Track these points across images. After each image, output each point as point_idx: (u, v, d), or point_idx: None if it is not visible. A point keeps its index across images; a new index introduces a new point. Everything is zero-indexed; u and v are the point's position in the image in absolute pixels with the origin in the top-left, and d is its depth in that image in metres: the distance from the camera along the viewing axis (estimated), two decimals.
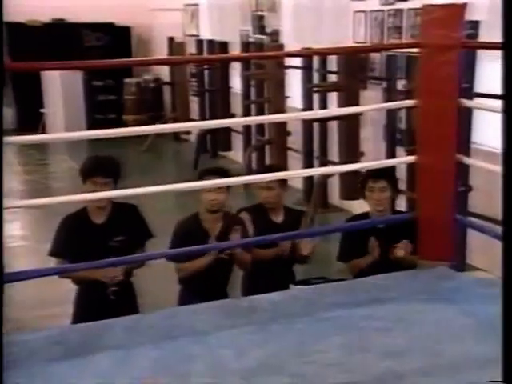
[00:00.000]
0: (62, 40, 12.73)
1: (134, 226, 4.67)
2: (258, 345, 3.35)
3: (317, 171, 8.05)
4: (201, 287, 4.70)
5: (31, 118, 12.55)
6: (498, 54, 4.64)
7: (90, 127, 11.87)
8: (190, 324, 3.55)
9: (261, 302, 3.97)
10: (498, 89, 5.37)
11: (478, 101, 4.36)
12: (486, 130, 5.13)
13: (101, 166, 4.57)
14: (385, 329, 3.56)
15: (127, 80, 13.12)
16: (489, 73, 4.54)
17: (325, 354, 3.29)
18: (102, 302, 4.42)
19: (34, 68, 9.94)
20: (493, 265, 4.94)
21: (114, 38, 13.60)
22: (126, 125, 11.60)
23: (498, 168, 4.70)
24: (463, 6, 3.91)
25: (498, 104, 5.06)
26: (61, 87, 12.32)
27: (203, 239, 4.63)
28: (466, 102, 4.05)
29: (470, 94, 4.16)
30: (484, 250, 4.67)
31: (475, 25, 3.91)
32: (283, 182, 5.11)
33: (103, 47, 13.02)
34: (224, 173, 4.88)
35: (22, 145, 11.17)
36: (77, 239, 4.52)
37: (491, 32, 4.16)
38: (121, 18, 13.80)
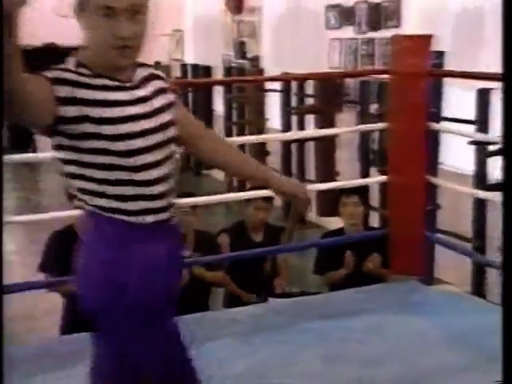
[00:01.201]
0: (52, 62, 12.67)
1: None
2: (240, 356, 3.34)
3: None
4: (182, 301, 4.67)
5: (23, 138, 12.49)
6: (462, 81, 4.71)
7: None
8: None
9: (242, 314, 3.97)
10: (462, 113, 5.45)
11: (444, 124, 4.39)
12: (453, 152, 5.18)
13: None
14: (361, 340, 3.57)
15: None
16: (454, 99, 4.60)
17: (306, 365, 3.30)
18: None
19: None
20: (459, 278, 5.00)
21: None
22: None
23: (464, 188, 4.76)
24: (429, 38, 3.96)
25: (463, 128, 5.15)
26: None
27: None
28: (434, 126, 4.08)
29: (438, 118, 4.20)
30: (451, 264, 4.70)
31: (440, 55, 3.97)
32: (271, 201, 5.12)
33: None
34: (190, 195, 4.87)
35: (15, 163, 11.20)
36: (64, 254, 4.51)
37: (455, 61, 4.22)
38: None
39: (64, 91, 2.13)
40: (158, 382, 2.34)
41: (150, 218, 2.21)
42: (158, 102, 2.24)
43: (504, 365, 1.71)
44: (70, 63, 2.23)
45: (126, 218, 2.18)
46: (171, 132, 2.27)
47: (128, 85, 2.20)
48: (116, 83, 2.18)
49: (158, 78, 2.32)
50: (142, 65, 2.30)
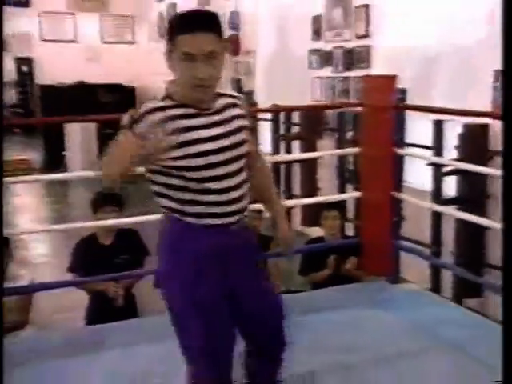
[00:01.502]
0: (82, 97, 12.75)
1: (135, 246, 4.66)
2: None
3: (285, 204, 8.04)
4: None
5: (56, 160, 12.50)
6: (421, 113, 4.74)
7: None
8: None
9: None
10: (422, 140, 5.48)
11: (407, 149, 4.42)
12: (415, 172, 5.22)
13: (109, 198, 4.58)
14: (339, 331, 3.58)
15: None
16: (415, 128, 4.64)
17: (291, 353, 3.30)
18: (109, 308, 4.40)
19: (62, 121, 10.01)
20: (419, 278, 5.01)
21: (122, 96, 13.58)
22: None
23: (423, 202, 4.78)
24: (394, 77, 3.99)
25: (422, 152, 5.18)
26: (80, 134, 12.29)
27: None
28: (399, 150, 4.09)
29: (402, 144, 4.21)
30: (413, 266, 4.72)
31: (403, 91, 4.00)
32: (261, 213, 5.12)
33: (113, 103, 13.00)
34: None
35: (49, 181, 11.22)
36: (89, 258, 4.51)
37: (415, 97, 4.28)
38: (127, 80, 13.84)
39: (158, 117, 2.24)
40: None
41: (206, 221, 2.33)
42: (233, 125, 2.36)
43: (504, 365, 1.69)
44: (157, 100, 2.32)
45: (185, 218, 2.33)
46: (243, 149, 2.39)
47: (207, 112, 2.32)
48: (197, 111, 2.30)
49: (235, 106, 2.42)
50: (223, 95, 2.41)
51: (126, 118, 2.24)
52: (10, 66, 15.62)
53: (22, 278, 4.60)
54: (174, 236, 2.38)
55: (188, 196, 2.30)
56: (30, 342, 3.85)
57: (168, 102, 2.29)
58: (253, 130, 2.58)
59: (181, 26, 2.23)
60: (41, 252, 7.53)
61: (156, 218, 4.19)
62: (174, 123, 2.22)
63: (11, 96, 18.80)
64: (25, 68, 14.89)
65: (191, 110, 2.29)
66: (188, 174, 2.27)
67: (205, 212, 2.32)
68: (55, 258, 6.81)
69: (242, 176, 2.40)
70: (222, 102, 2.38)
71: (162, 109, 2.25)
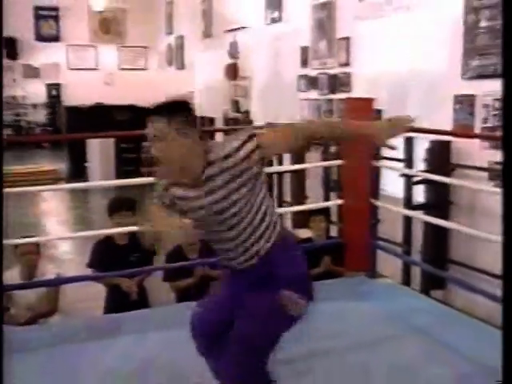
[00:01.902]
0: (100, 117, 12.76)
1: (144, 247, 4.64)
2: None
3: (277, 210, 8.03)
4: (190, 294, 4.61)
5: (79, 170, 12.50)
6: None
7: (118, 177, 11.81)
8: (184, 316, 3.53)
9: None
10: (395, 154, 5.50)
11: (383, 162, 4.43)
12: (389, 182, 5.24)
13: (125, 203, 4.57)
14: (323, 320, 3.57)
15: (144, 143, 13.11)
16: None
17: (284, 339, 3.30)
18: (124, 299, 4.39)
19: (85, 137, 10.04)
20: (392, 273, 5.02)
21: (136, 115, 13.56)
22: (143, 175, 11.58)
23: (396, 208, 4.79)
24: (372, 100, 4.01)
25: (395, 164, 5.19)
26: (99, 148, 12.29)
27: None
28: (375, 163, 4.10)
29: (378, 157, 4.22)
30: (387, 263, 4.73)
31: (379, 112, 4.03)
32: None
33: (127, 121, 12.99)
34: None
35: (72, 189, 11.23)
36: (106, 256, 4.50)
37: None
38: (140, 100, 13.79)
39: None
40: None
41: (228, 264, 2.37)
42: (219, 193, 2.18)
43: (504, 364, 1.68)
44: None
45: None
46: (230, 211, 2.20)
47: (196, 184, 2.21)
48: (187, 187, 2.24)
49: (224, 163, 2.16)
50: (211, 163, 2.18)
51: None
52: (42, 91, 15.64)
53: (50, 272, 4.60)
54: None
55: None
56: (57, 328, 3.85)
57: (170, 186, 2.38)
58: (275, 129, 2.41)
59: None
60: (66, 250, 7.53)
61: None
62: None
63: (42, 116, 18.85)
64: (54, 92, 14.94)
65: (182, 188, 2.29)
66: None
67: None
68: (78, 255, 6.79)
69: (239, 231, 2.23)
70: (209, 171, 2.18)
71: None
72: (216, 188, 2.17)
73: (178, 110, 2.19)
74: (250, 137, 2.15)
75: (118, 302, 4.43)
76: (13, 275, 4.46)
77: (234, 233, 2.23)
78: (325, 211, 4.97)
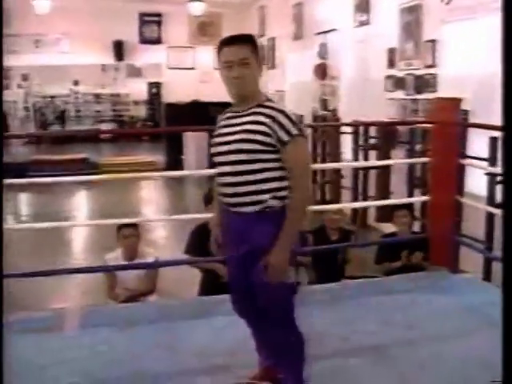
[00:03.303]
0: (196, 113, 12.98)
1: None
2: (314, 317, 3.34)
3: (361, 204, 7.96)
4: None
5: (175, 162, 12.77)
6: (480, 130, 4.62)
7: (211, 167, 11.99)
8: None
9: (321, 289, 3.97)
10: (480, 153, 5.34)
11: (468, 160, 4.31)
12: (474, 180, 5.11)
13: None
14: (404, 311, 3.53)
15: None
16: (475, 143, 4.55)
17: (365, 326, 3.28)
18: (217, 283, 4.46)
19: (181, 130, 10.25)
20: (475, 268, 4.88)
21: None
22: None
23: (480, 205, 4.65)
24: (459, 100, 3.90)
25: (480, 163, 5.05)
26: (194, 142, 12.52)
27: None
28: (461, 161, 4.00)
29: (464, 155, 4.11)
30: (470, 258, 4.61)
31: (466, 112, 3.92)
32: (342, 211, 5.09)
33: None
34: None
35: (169, 178, 11.48)
36: (201, 242, 4.56)
37: (475, 117, 4.18)
38: None
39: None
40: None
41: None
42: (244, 130, 2.29)
43: (504, 364, 1.64)
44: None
45: None
46: (245, 155, 2.28)
47: (241, 114, 2.35)
48: (235, 114, 2.39)
49: (261, 114, 2.29)
50: (261, 105, 2.33)
51: None
52: (143, 89, 16.04)
53: (149, 255, 4.73)
54: None
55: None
56: (155, 306, 3.96)
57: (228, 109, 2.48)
58: (295, 147, 2.27)
59: (222, 42, 2.34)
60: (163, 235, 7.71)
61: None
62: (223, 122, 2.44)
63: (143, 112, 19.38)
64: (154, 90, 15.32)
65: (232, 113, 2.41)
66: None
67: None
68: (174, 240, 6.95)
69: (249, 176, 2.28)
70: (255, 109, 2.32)
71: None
72: (248, 129, 2.28)
73: (252, 40, 2.38)
74: (290, 134, 2.26)
75: (211, 285, 4.50)
76: (116, 256, 4.62)
77: (233, 169, 2.32)
78: (408, 207, 4.88)
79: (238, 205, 2.33)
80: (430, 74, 6.80)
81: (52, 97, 19.07)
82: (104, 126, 18.88)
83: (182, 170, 12.26)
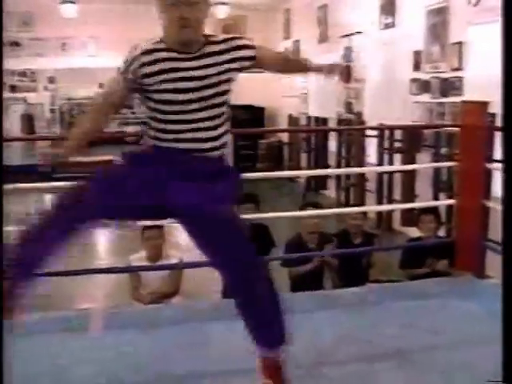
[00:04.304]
0: (249, 115, 13.16)
1: (264, 238, 4.70)
2: (339, 320, 3.33)
3: (387, 207, 7.93)
4: (306, 282, 4.66)
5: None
6: None
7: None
8: (299, 304, 3.55)
9: (347, 293, 3.95)
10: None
11: (495, 164, 4.26)
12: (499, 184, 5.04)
13: (247, 197, 4.64)
14: (428, 315, 3.50)
15: (260, 141, 13.30)
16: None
17: (389, 330, 3.26)
18: None
19: None
20: (500, 273, 4.82)
21: (253, 115, 13.80)
22: (259, 171, 11.75)
23: None
24: (486, 103, 3.86)
25: None
26: None
27: (304, 251, 4.64)
28: (489, 165, 3.96)
29: (491, 159, 4.07)
30: (495, 263, 4.54)
31: (493, 115, 3.87)
32: (365, 214, 5.08)
33: (246, 120, 13.20)
34: (317, 205, 4.88)
35: None
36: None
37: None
38: (258, 101, 14.03)
39: (147, 59, 2.19)
40: None
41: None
42: (213, 72, 2.22)
43: (504, 363, 1.61)
44: (150, 43, 2.25)
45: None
46: (217, 95, 2.25)
47: (191, 56, 2.20)
48: (182, 55, 2.19)
49: (223, 52, 2.25)
50: (212, 42, 2.25)
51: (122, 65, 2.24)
52: None
53: (173, 257, 4.75)
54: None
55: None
56: (179, 308, 3.97)
57: (159, 45, 2.21)
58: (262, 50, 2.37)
59: None
60: (186, 237, 7.71)
61: (282, 215, 4.25)
62: (160, 65, 2.17)
63: None
64: None
65: (175, 54, 2.19)
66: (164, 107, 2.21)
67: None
68: None
69: (217, 114, 2.26)
70: (209, 49, 2.23)
71: (152, 51, 2.19)
72: (211, 65, 2.20)
73: None
74: (252, 47, 2.29)
75: None
76: (140, 257, 4.65)
77: (210, 113, 2.23)
78: (434, 211, 4.84)
79: (210, 150, 2.25)
80: (456, 77, 6.74)
81: (78, 99, 19.26)
82: (129, 129, 19.00)
83: None
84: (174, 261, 4.69)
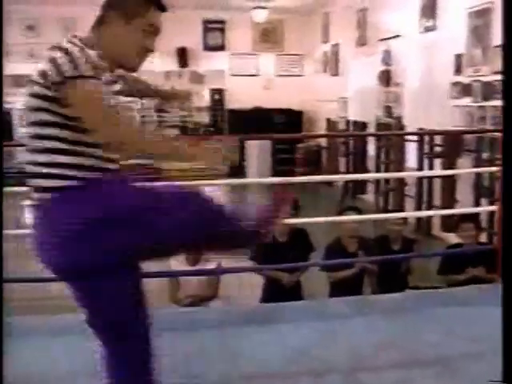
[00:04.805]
0: (259, 119, 13.08)
1: (303, 243, 4.71)
2: (378, 327, 3.33)
3: (427, 213, 7.85)
4: (345, 287, 4.65)
5: (237, 168, 12.87)
6: None
7: (274, 175, 12.03)
8: (337, 309, 3.56)
9: (385, 298, 3.94)
10: None
11: None
12: None
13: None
14: (468, 320, 3.47)
15: (299, 145, 13.28)
16: None
17: (429, 336, 3.24)
18: (280, 291, 4.48)
19: (245, 139, 10.30)
20: None
21: (292, 119, 13.80)
22: (297, 175, 11.73)
23: None
24: None
25: None
26: (257, 148, 12.61)
27: (343, 256, 4.63)
28: None
29: None
30: None
31: None
32: (404, 220, 5.05)
33: (284, 124, 13.25)
34: (357, 210, 4.87)
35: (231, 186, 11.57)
36: (267, 250, 4.59)
37: None
38: (296, 105, 14.06)
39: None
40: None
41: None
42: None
43: (504, 363, 1.59)
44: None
45: None
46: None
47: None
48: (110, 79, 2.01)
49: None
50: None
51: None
52: (206, 95, 16.29)
53: (211, 261, 4.79)
54: None
55: None
56: (217, 312, 4.01)
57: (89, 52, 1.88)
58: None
59: (157, 2, 2.08)
60: None
61: (322, 220, 4.26)
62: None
63: (206, 118, 19.63)
64: (217, 96, 15.48)
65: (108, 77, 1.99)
66: None
67: None
68: None
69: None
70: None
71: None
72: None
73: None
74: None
75: (274, 292, 4.53)
76: (180, 261, 4.70)
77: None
78: (475, 218, 4.78)
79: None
80: (499, 81, 6.65)
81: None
82: (167, 132, 19.20)
83: (244, 177, 12.38)
84: (212, 265, 4.73)
